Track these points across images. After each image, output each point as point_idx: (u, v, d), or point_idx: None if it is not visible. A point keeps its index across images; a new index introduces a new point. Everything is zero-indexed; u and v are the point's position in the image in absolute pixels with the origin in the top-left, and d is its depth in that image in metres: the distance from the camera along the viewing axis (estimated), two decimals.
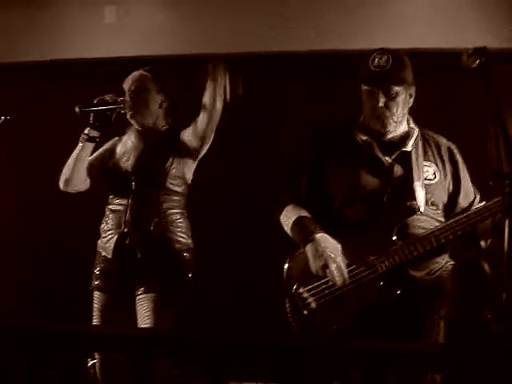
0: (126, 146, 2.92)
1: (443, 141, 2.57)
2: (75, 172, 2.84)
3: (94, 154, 2.92)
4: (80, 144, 2.83)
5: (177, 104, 2.93)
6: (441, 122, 2.64)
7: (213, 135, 2.82)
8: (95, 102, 2.79)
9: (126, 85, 2.88)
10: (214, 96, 2.71)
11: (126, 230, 2.76)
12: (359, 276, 2.38)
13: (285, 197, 2.60)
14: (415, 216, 2.40)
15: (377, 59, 2.42)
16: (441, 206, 2.47)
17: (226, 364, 1.74)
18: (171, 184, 2.82)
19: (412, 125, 2.55)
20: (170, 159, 2.82)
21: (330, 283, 2.39)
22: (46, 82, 4.35)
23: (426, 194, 2.42)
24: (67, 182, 2.86)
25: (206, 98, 2.74)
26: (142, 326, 2.69)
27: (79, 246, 3.12)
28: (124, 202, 2.80)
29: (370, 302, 2.37)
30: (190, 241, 2.86)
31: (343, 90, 3.75)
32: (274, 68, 4.13)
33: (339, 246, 2.39)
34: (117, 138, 2.98)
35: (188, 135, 2.84)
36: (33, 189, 4.26)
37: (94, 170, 2.90)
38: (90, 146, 2.84)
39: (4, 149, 4.30)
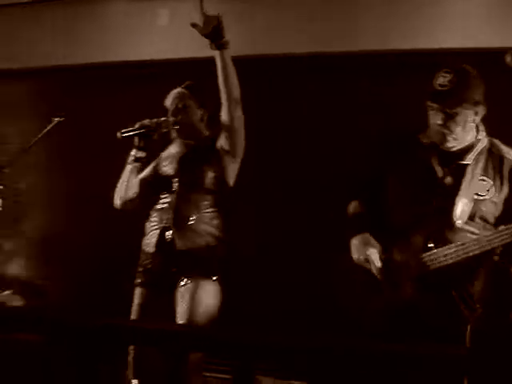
0: (169, 153, 3.09)
1: (509, 155, 2.53)
2: (128, 191, 2.99)
3: (144, 172, 3.07)
4: (129, 166, 2.98)
5: (216, 115, 3.00)
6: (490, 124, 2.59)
7: (242, 133, 2.89)
8: (137, 126, 2.92)
9: (168, 102, 3.02)
10: (227, 97, 2.81)
11: (167, 225, 2.88)
12: (394, 276, 2.45)
13: (352, 194, 2.75)
14: (456, 229, 2.42)
15: (441, 78, 2.44)
16: (493, 222, 2.47)
17: (258, 360, 1.78)
18: (211, 185, 2.92)
19: (480, 137, 2.53)
20: (209, 161, 2.93)
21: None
22: (98, 83, 4.46)
23: (474, 208, 2.42)
24: (122, 201, 3.01)
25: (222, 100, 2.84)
26: (181, 319, 2.80)
27: (128, 246, 3.20)
28: (167, 200, 2.93)
29: (405, 303, 2.42)
30: (226, 238, 2.94)
31: (398, 91, 3.75)
32: (324, 68, 4.11)
33: (377, 247, 2.52)
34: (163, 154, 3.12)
35: (221, 139, 2.94)
36: (84, 189, 4.38)
37: (144, 183, 3.04)
38: (138, 165, 2.99)
39: (58, 149, 4.47)
